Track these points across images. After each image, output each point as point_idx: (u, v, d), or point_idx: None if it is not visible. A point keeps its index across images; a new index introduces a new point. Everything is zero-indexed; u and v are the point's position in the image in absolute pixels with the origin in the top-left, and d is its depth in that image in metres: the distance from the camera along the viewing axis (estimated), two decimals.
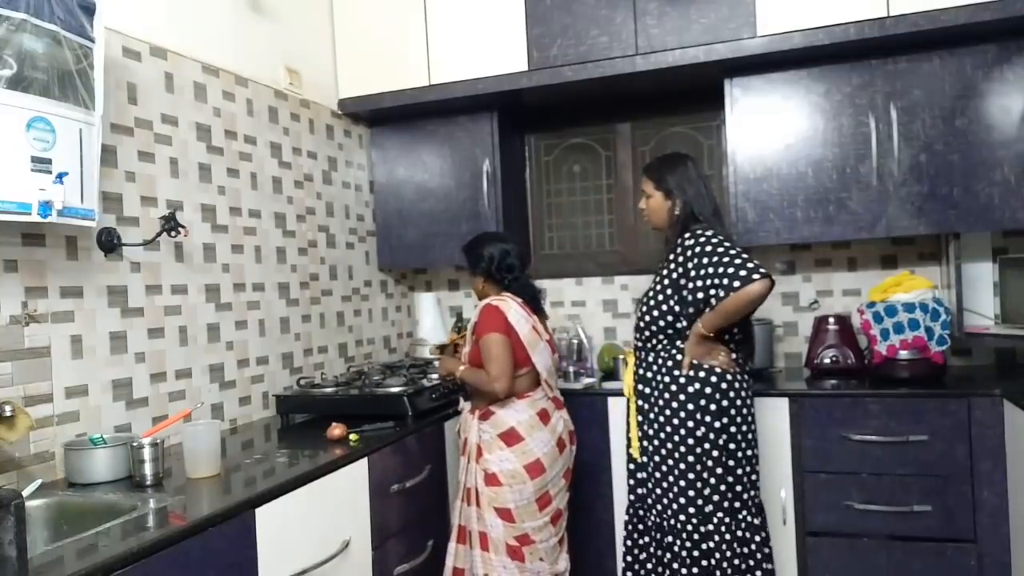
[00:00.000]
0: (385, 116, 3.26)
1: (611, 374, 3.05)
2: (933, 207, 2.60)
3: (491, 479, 2.31)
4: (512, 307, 2.39)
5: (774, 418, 2.57)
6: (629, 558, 2.39)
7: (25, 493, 1.55)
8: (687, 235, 2.21)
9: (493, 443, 2.33)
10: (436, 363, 2.75)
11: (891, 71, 2.64)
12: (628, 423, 2.37)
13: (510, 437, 2.32)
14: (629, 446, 2.36)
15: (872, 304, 2.71)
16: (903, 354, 2.61)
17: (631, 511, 2.38)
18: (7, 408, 1.63)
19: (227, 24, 2.54)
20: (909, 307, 2.62)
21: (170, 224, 2.12)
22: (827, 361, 2.81)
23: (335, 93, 3.14)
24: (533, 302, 2.49)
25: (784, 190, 2.76)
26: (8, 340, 1.75)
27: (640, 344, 2.34)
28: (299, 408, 2.55)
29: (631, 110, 3.36)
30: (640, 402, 2.32)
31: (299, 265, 2.84)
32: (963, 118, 2.57)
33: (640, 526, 2.37)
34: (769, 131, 2.78)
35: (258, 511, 1.65)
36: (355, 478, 2.03)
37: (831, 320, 2.85)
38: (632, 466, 2.36)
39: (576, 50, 2.84)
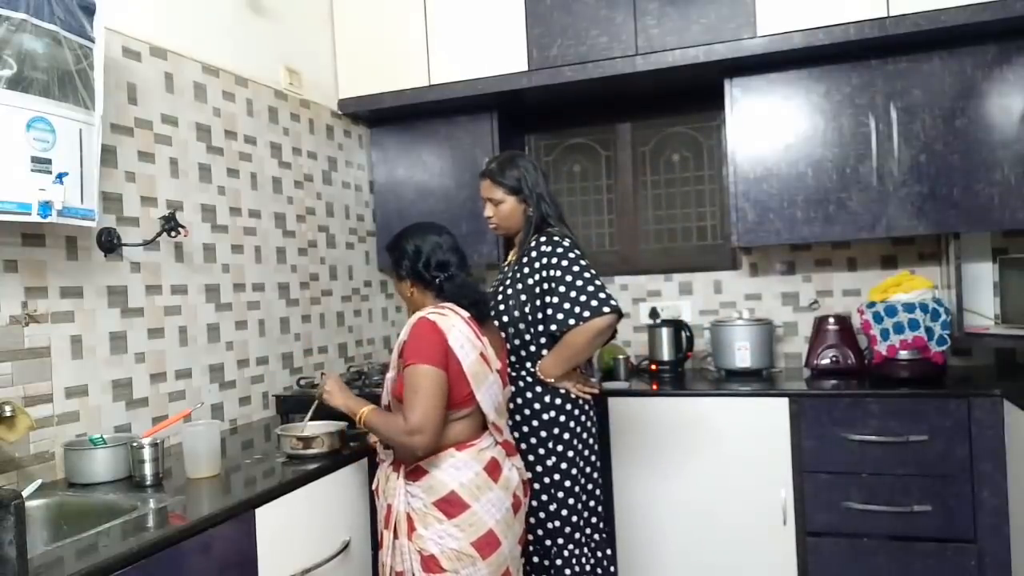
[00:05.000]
0: (385, 116, 3.26)
1: (611, 374, 3.04)
2: (933, 207, 2.60)
3: (430, 564, 1.73)
4: (456, 326, 1.78)
5: (774, 418, 2.57)
6: None
7: (25, 493, 1.55)
8: (543, 238, 2.09)
9: (428, 514, 1.75)
10: (324, 386, 1.93)
11: (891, 71, 2.64)
12: None
13: (450, 505, 1.74)
14: None
15: (872, 304, 2.71)
16: (903, 354, 2.61)
17: None
18: (7, 408, 1.63)
19: (227, 24, 2.54)
20: (909, 307, 2.62)
21: (170, 224, 2.12)
22: (827, 361, 2.81)
23: (335, 93, 3.14)
24: (477, 309, 1.89)
25: (784, 190, 2.76)
26: (8, 340, 1.75)
27: None
28: (299, 408, 2.54)
29: (631, 110, 3.36)
30: None
31: (299, 265, 2.84)
32: (963, 118, 2.57)
33: None
34: (769, 131, 2.78)
35: (258, 511, 1.65)
36: (355, 478, 2.03)
37: (831, 320, 2.85)
38: None
39: (576, 50, 2.84)
